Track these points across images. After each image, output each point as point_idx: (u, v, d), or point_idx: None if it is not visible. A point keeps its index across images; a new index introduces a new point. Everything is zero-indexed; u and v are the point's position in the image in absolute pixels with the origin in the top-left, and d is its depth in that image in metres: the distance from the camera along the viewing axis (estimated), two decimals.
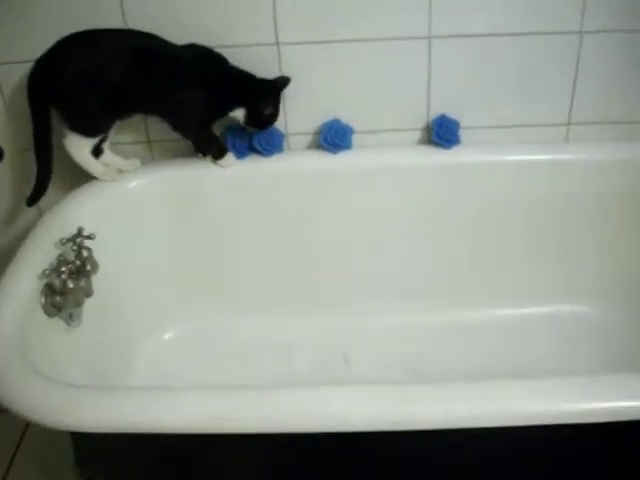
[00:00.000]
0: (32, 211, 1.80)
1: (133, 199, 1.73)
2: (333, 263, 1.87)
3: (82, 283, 1.48)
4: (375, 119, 1.77)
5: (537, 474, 1.27)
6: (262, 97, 1.65)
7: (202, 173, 1.76)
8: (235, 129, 1.74)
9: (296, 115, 1.77)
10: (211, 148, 1.73)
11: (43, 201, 1.72)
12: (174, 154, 1.80)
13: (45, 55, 1.56)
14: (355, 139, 1.77)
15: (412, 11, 1.63)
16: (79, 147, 1.65)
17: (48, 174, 1.64)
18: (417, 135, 1.79)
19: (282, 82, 1.66)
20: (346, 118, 1.75)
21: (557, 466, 1.26)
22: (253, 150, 1.75)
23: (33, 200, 1.66)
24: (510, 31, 1.66)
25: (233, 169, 1.75)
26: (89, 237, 1.49)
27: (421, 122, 1.78)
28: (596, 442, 1.21)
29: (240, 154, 1.75)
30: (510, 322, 1.87)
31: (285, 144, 1.78)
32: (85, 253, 1.49)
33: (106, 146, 1.71)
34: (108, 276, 1.57)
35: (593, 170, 1.75)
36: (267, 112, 1.66)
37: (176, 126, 1.68)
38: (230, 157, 1.74)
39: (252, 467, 1.29)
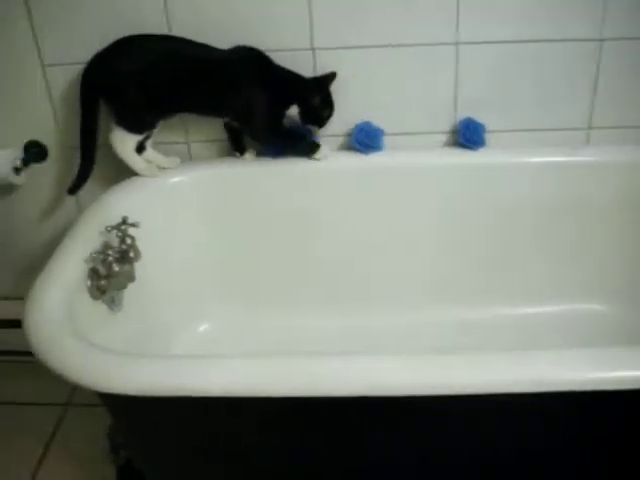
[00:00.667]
0: (72, 207, 1.89)
1: (174, 194, 1.80)
2: (365, 262, 1.93)
3: (126, 268, 1.55)
4: (405, 122, 1.84)
5: (554, 439, 1.32)
6: (312, 93, 1.72)
7: (239, 172, 1.84)
8: None
9: None
10: (299, 145, 1.82)
11: (83, 197, 1.82)
12: (211, 155, 1.88)
13: (101, 53, 1.66)
14: (385, 141, 1.84)
15: (440, 18, 1.71)
16: (124, 142, 1.73)
17: (91, 165, 1.74)
18: (444, 137, 1.86)
19: (329, 78, 1.74)
20: (377, 120, 1.83)
21: (575, 432, 1.31)
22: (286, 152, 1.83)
23: (74, 189, 1.75)
24: (533, 38, 1.73)
25: (266, 169, 1.83)
26: (133, 225, 1.56)
27: (448, 125, 1.85)
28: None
29: (274, 154, 1.82)
30: (529, 320, 1.92)
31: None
32: (129, 240, 1.56)
33: (149, 144, 1.79)
34: (148, 267, 1.64)
35: (612, 172, 1.81)
36: (319, 108, 1.74)
37: (251, 131, 1.79)
38: (324, 149, 1.81)
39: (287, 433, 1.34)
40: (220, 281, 1.93)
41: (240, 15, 1.73)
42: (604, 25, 1.71)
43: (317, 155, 1.81)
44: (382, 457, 1.36)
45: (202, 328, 1.94)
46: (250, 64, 1.72)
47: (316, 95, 1.73)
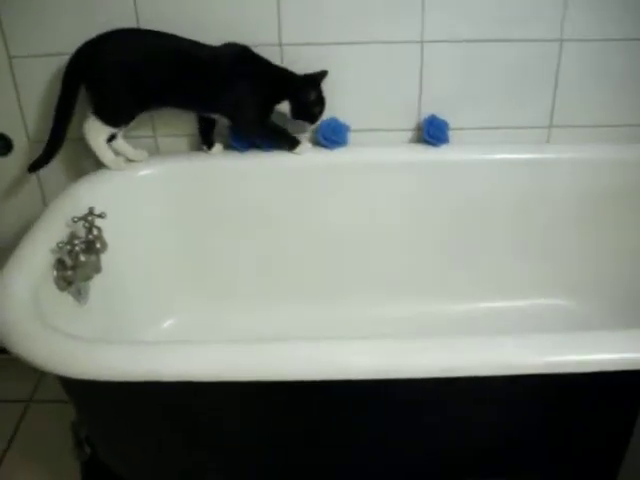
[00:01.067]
0: (37, 200, 1.90)
1: (142, 188, 1.80)
2: (328, 256, 1.95)
3: (92, 259, 1.55)
4: (370, 118, 1.87)
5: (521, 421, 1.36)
6: (304, 90, 1.75)
7: (207, 166, 1.84)
8: None
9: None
10: (282, 140, 1.83)
11: (49, 190, 1.82)
12: (179, 149, 1.89)
13: (94, 40, 1.67)
14: (351, 137, 1.87)
15: (406, 16, 1.75)
16: (97, 132, 1.73)
17: (57, 147, 1.74)
18: (409, 134, 1.90)
19: (320, 75, 1.76)
20: (343, 116, 1.85)
21: (544, 413, 1.35)
22: (254, 145, 1.84)
23: (36, 166, 1.75)
24: (496, 37, 1.77)
25: (235, 163, 1.84)
26: (100, 216, 1.56)
27: (413, 122, 1.88)
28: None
29: (242, 148, 1.84)
30: (493, 315, 1.96)
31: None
32: (95, 231, 1.56)
33: (120, 134, 1.79)
34: (114, 260, 1.64)
35: (572, 170, 1.86)
36: (311, 104, 1.76)
37: (239, 126, 1.81)
38: (305, 144, 1.84)
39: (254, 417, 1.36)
40: (187, 276, 1.93)
41: (209, 10, 1.74)
42: (564, 26, 1.76)
43: (297, 150, 1.83)
44: (349, 441, 1.38)
45: (168, 323, 1.94)
46: (241, 60, 1.74)
47: (309, 91, 1.75)
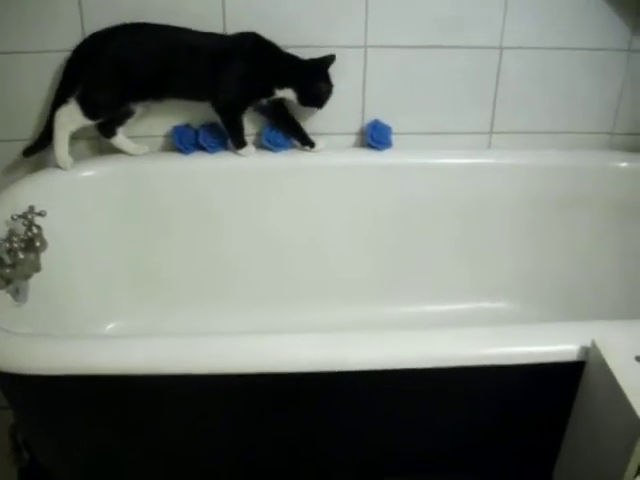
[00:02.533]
0: None
1: (84, 188, 1.79)
2: (275, 259, 1.96)
3: (31, 257, 1.53)
4: (314, 122, 1.88)
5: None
6: (310, 75, 1.75)
7: (152, 168, 1.84)
8: (181, 126, 1.84)
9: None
10: (237, 135, 1.83)
11: None
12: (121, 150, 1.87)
13: (97, 34, 1.70)
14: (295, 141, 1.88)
15: (349, 22, 1.78)
16: (70, 121, 1.74)
17: (48, 137, 1.76)
18: (353, 138, 1.92)
19: (328, 60, 1.76)
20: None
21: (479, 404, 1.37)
22: (199, 147, 1.85)
23: (30, 151, 1.78)
24: (439, 44, 1.82)
25: (180, 165, 1.84)
26: (40, 214, 1.54)
27: (356, 126, 1.91)
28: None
29: (186, 150, 1.84)
30: (437, 318, 1.98)
31: (229, 142, 1.87)
32: (35, 229, 1.54)
33: (120, 131, 1.82)
34: (56, 260, 1.62)
35: (512, 175, 1.90)
36: (318, 89, 1.77)
37: (217, 102, 1.79)
38: (251, 147, 1.85)
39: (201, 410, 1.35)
40: (130, 279, 1.92)
41: (153, 5, 1.74)
42: (504, 34, 1.81)
43: (242, 151, 1.84)
44: (300, 434, 1.39)
45: (110, 326, 1.91)
46: (246, 45, 1.75)
47: (317, 76, 1.76)
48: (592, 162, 1.91)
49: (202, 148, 1.85)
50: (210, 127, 1.85)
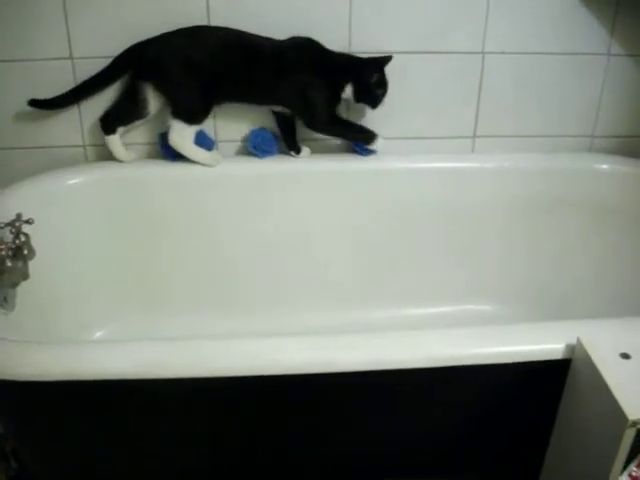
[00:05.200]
0: None
1: (71, 196, 1.79)
2: (264, 264, 1.97)
3: (19, 264, 1.53)
4: (300, 128, 1.89)
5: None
6: (368, 72, 1.77)
7: (137, 175, 1.85)
8: (167, 133, 1.83)
9: (225, 124, 1.89)
10: (358, 134, 1.86)
11: None
12: (108, 158, 1.88)
13: (158, 38, 1.73)
14: (281, 147, 1.91)
15: (333, 29, 1.80)
16: (183, 137, 1.79)
17: (65, 103, 1.80)
18: (339, 144, 1.94)
19: (385, 59, 1.79)
20: (271, 127, 1.89)
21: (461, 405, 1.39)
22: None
23: (38, 103, 1.77)
24: (421, 50, 1.84)
25: (163, 172, 1.85)
26: (27, 222, 1.54)
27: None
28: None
29: (172, 157, 1.84)
30: (423, 320, 1.99)
31: (215, 149, 1.88)
32: (23, 237, 1.54)
33: (119, 132, 1.82)
34: (44, 268, 1.62)
35: (496, 178, 1.93)
36: (374, 87, 1.78)
37: (312, 125, 1.84)
38: (381, 140, 1.87)
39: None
40: (118, 286, 1.92)
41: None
42: (486, 39, 1.83)
43: (373, 145, 1.87)
44: (292, 437, 1.40)
45: (98, 333, 1.91)
46: (304, 51, 1.78)
47: (372, 74, 1.77)
48: (574, 165, 1.94)
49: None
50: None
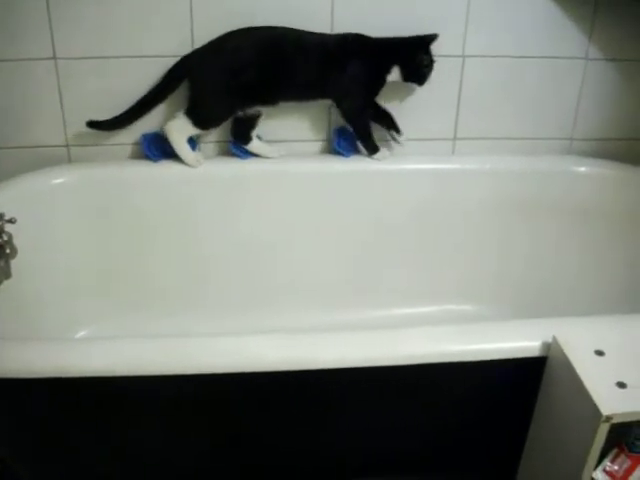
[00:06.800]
0: None
1: (55, 196, 1.80)
2: (249, 265, 1.98)
3: (1, 264, 1.53)
4: (282, 130, 1.92)
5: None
6: (412, 51, 1.79)
7: (124, 175, 1.86)
8: (151, 134, 1.86)
9: None
10: (368, 140, 1.89)
11: None
12: (91, 158, 1.89)
13: (207, 45, 1.76)
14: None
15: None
16: (181, 132, 1.81)
17: (124, 124, 1.83)
18: (319, 145, 1.96)
19: (431, 37, 1.80)
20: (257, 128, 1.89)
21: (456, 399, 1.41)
22: (167, 154, 1.86)
23: (94, 125, 1.81)
24: None
25: (148, 171, 1.85)
26: (10, 221, 1.55)
27: (323, 134, 1.95)
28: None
29: (155, 157, 1.85)
30: (404, 320, 2.01)
31: (197, 149, 1.89)
32: (5, 236, 1.55)
33: (254, 135, 1.87)
34: (27, 267, 1.63)
35: (476, 180, 1.95)
36: (420, 65, 1.80)
37: (345, 110, 1.85)
38: (385, 152, 1.91)
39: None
40: (100, 285, 1.92)
41: None
42: (466, 43, 1.86)
43: (377, 156, 1.90)
44: (277, 434, 1.42)
45: (80, 334, 1.91)
46: (348, 40, 1.79)
47: (423, 55, 1.79)
48: (552, 167, 1.97)
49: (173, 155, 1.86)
50: None
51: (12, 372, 1.22)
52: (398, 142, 1.92)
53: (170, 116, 1.83)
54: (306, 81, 1.80)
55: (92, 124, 1.80)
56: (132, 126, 1.85)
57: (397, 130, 1.90)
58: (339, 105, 1.85)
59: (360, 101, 1.85)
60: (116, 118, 1.80)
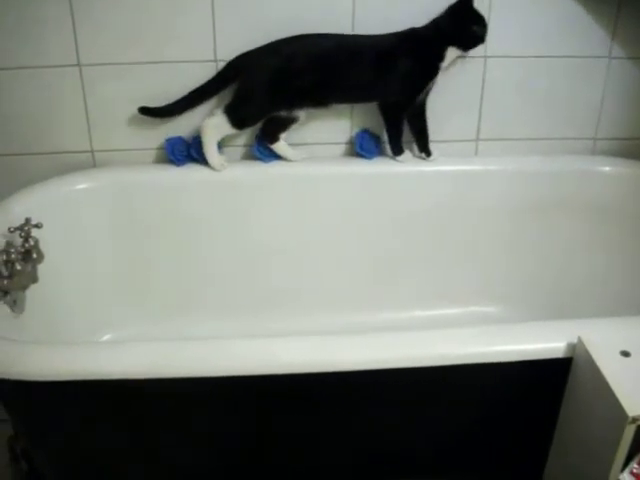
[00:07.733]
0: None
1: (79, 200, 1.82)
2: (263, 268, 1.98)
3: (28, 268, 1.55)
4: (304, 132, 1.92)
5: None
6: (462, 22, 1.77)
7: (149, 179, 1.87)
8: (174, 138, 1.87)
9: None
10: (397, 140, 1.90)
11: None
12: (115, 164, 1.90)
13: (264, 47, 1.77)
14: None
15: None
16: (217, 130, 1.82)
17: (175, 112, 1.84)
18: (342, 148, 1.96)
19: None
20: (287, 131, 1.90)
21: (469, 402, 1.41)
22: (191, 158, 1.87)
23: (148, 111, 1.82)
24: None
25: (170, 176, 1.87)
26: (36, 226, 1.57)
27: (346, 136, 1.95)
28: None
29: (179, 161, 1.87)
30: (425, 323, 2.01)
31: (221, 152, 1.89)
32: (32, 241, 1.57)
33: (282, 137, 1.88)
34: (52, 272, 1.65)
35: (499, 181, 1.94)
36: (473, 32, 1.78)
37: (384, 104, 1.87)
38: (408, 154, 1.92)
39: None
40: (125, 289, 1.94)
41: None
42: (488, 43, 1.84)
43: (400, 158, 1.91)
44: (292, 436, 1.42)
45: (106, 337, 1.94)
46: (403, 40, 1.80)
47: (468, 19, 1.77)
48: (576, 167, 1.95)
49: (194, 159, 1.87)
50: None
51: (41, 375, 1.24)
52: (423, 159, 1.93)
53: (198, 121, 1.84)
54: (360, 84, 1.82)
55: (144, 110, 1.81)
56: (156, 130, 1.87)
57: (428, 153, 1.91)
58: (384, 102, 1.86)
59: (405, 100, 1.85)
60: (167, 106, 1.82)
